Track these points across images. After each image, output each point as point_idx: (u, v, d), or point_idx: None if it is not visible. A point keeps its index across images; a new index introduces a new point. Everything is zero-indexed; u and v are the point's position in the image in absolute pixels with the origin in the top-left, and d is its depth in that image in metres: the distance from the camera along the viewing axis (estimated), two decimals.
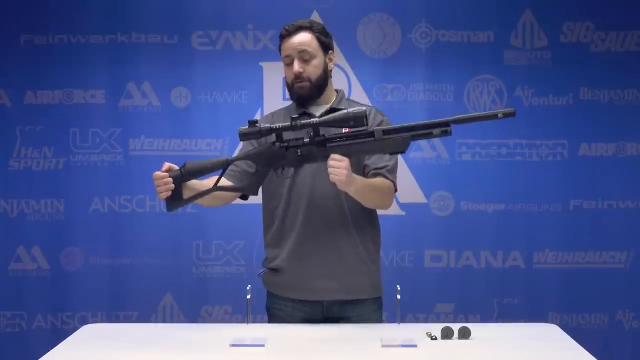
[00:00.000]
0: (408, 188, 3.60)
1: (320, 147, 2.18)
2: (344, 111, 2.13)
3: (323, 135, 2.18)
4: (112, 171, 3.64)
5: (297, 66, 2.33)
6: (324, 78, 2.37)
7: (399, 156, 2.40)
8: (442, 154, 3.65)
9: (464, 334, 2.12)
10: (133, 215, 3.64)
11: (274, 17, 3.47)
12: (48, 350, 2.03)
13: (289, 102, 2.48)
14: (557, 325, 2.38)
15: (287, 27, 2.36)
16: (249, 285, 2.35)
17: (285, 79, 2.40)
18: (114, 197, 3.64)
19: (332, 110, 2.18)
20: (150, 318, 3.62)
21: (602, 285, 3.65)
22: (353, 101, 2.52)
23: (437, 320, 3.58)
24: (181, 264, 3.65)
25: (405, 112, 3.57)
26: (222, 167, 2.25)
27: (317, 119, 2.16)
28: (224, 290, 3.64)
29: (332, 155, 2.14)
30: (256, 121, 2.17)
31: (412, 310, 3.58)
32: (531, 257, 3.66)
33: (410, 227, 3.64)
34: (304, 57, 2.33)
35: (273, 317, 2.44)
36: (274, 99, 3.57)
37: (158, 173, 2.21)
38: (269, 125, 2.17)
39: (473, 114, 2.14)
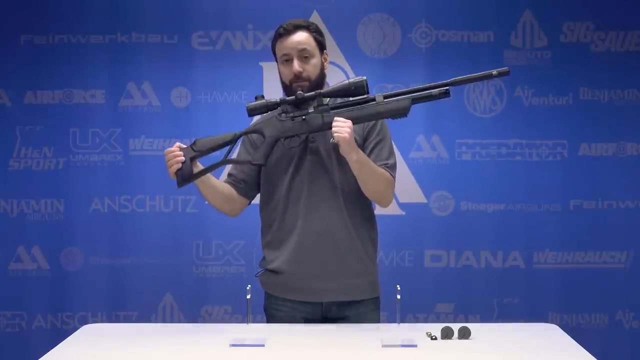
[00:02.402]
0: (408, 188, 3.60)
1: (324, 114, 2.24)
2: (345, 81, 2.24)
3: (327, 104, 2.25)
4: (112, 171, 3.64)
5: (297, 65, 2.33)
6: (322, 77, 2.38)
7: (399, 156, 2.41)
8: (442, 153, 3.65)
9: (464, 334, 2.12)
10: (133, 215, 3.64)
11: (274, 17, 3.42)
12: (48, 350, 2.03)
13: None
14: (557, 325, 2.38)
15: (284, 26, 2.36)
16: (249, 285, 2.35)
17: (281, 78, 2.40)
18: (114, 197, 3.64)
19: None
20: (150, 318, 3.62)
21: (602, 285, 3.65)
22: None
23: (437, 320, 3.58)
24: (181, 264, 3.65)
25: None
26: (231, 141, 2.30)
27: (319, 90, 2.26)
28: (224, 290, 3.64)
29: (336, 117, 2.21)
30: (263, 95, 2.25)
31: (412, 310, 3.58)
32: (531, 257, 3.66)
33: (410, 227, 3.63)
34: (304, 55, 2.34)
35: (271, 317, 2.44)
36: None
37: (169, 148, 2.26)
38: (275, 99, 2.25)
39: (469, 75, 2.21)
